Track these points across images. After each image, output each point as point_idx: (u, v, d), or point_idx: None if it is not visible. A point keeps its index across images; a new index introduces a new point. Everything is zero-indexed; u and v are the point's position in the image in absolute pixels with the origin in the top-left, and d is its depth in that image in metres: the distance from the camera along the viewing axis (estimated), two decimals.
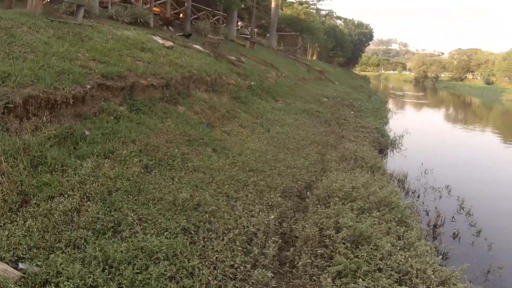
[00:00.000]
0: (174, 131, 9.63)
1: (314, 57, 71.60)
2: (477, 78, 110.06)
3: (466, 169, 17.92)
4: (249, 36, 38.29)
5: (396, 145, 18.57)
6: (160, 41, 16.24)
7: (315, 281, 5.74)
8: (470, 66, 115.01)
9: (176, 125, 9.99)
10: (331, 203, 7.98)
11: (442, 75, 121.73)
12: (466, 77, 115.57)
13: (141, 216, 5.95)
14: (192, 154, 8.91)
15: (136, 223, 5.71)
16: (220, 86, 15.60)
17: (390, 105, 41.92)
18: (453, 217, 11.36)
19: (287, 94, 22.70)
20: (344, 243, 6.43)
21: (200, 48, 19.94)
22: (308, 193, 9.10)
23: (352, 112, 22.81)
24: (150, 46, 14.28)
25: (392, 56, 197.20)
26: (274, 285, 5.55)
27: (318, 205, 8.04)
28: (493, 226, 10.73)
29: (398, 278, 5.81)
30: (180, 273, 4.94)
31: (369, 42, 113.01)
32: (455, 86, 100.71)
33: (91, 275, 4.48)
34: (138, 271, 4.71)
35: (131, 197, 6.42)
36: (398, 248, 6.53)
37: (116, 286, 4.45)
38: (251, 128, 12.98)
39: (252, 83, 19.65)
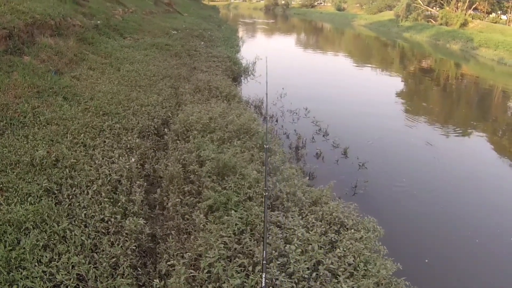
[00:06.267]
0: (21, 84, 8.84)
1: None
2: (328, 5, 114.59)
3: (320, 91, 19.01)
4: None
5: (250, 72, 19.06)
6: None
7: (188, 219, 5.74)
8: None
9: (23, 78, 9.16)
10: (190, 137, 7.97)
11: (292, 2, 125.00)
12: (320, 3, 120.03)
13: (1, 185, 5.51)
14: (43, 106, 8.32)
15: None
16: (66, 29, 14.45)
17: (241, 33, 42.47)
18: (313, 137, 12.08)
19: (135, 30, 21.96)
20: (209, 177, 6.47)
21: None
22: (165, 129, 8.98)
23: (202, 43, 22.77)
24: None
25: None
26: (148, 231, 5.46)
27: (178, 141, 8.00)
28: (351, 143, 11.52)
29: (270, 204, 5.96)
30: (53, 239, 4.74)
31: None
32: (306, 12, 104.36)
33: None
34: (10, 247, 4.44)
35: None
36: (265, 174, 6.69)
37: None
38: (100, 69, 12.39)
39: (99, 22, 18.51)
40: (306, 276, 4.60)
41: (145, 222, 5.53)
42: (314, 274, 4.67)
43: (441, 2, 55.93)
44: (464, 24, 48.93)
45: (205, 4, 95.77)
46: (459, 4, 52.12)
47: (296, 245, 4.92)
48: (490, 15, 55.01)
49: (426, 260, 7.43)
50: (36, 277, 4.18)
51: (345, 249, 5.14)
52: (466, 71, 31.92)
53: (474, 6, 52.40)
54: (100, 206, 5.49)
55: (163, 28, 25.90)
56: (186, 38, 23.35)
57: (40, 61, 10.80)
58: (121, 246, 4.85)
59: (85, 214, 5.27)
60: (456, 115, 18.42)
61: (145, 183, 6.69)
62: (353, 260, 5.01)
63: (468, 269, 7.37)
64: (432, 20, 55.95)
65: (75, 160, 6.45)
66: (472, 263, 7.49)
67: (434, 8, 58.12)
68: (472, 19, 51.03)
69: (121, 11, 24.99)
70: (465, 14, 50.53)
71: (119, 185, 6.21)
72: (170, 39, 21.74)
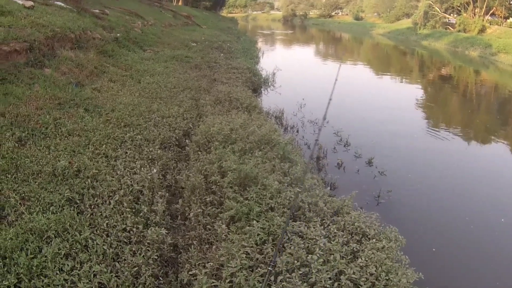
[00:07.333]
0: (43, 96, 8.95)
1: (180, 3, 70.20)
2: (346, 15, 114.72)
3: (339, 100, 18.78)
4: None
5: (270, 83, 19.13)
6: (20, 1, 14.66)
7: (209, 229, 5.72)
8: (339, 3, 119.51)
9: (44, 90, 9.28)
10: (212, 148, 7.97)
11: (310, 13, 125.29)
12: (337, 13, 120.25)
13: (23, 194, 5.53)
14: (64, 117, 8.37)
15: (20, 203, 5.32)
16: (86, 42, 14.69)
17: (260, 44, 42.66)
18: (334, 148, 12.01)
19: (155, 42, 22.19)
20: (231, 187, 6.44)
21: (62, 4, 18.25)
22: (187, 140, 9.01)
23: (222, 55, 22.89)
24: (10, 9, 12.67)
25: None
26: (170, 241, 5.44)
27: (199, 152, 7.99)
28: (373, 153, 11.41)
29: (291, 214, 5.91)
30: (75, 248, 4.74)
31: None
32: (324, 22, 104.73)
33: None
34: (32, 255, 4.45)
35: (9, 175, 5.89)
36: (286, 184, 6.67)
37: (14, 278, 4.15)
38: (121, 81, 12.49)
39: (118, 35, 18.77)
40: (328, 286, 4.55)
41: (167, 232, 5.51)
42: (336, 284, 4.62)
43: (459, 8, 55.58)
44: (482, 30, 48.57)
45: (224, 16, 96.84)
46: (476, 10, 51.71)
47: (318, 255, 4.88)
48: (508, 20, 54.43)
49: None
50: (58, 285, 4.19)
51: (367, 259, 5.07)
52: (485, 78, 31.58)
53: (491, 12, 51.97)
54: (122, 216, 5.49)
55: (182, 40, 26.09)
56: (206, 50, 23.49)
57: (61, 73, 10.94)
58: (143, 256, 4.83)
59: (107, 224, 5.26)
60: (476, 121, 18.18)
61: (167, 194, 6.67)
62: (375, 270, 4.93)
63: (493, 277, 7.22)
64: (450, 27, 55.61)
65: (97, 171, 6.47)
66: (499, 273, 7.32)
67: (452, 15, 57.75)
68: (490, 24, 50.59)
69: (140, 24, 25.29)
70: (483, 20, 50.10)
71: (141, 196, 6.21)
72: (189, 51, 21.86)
